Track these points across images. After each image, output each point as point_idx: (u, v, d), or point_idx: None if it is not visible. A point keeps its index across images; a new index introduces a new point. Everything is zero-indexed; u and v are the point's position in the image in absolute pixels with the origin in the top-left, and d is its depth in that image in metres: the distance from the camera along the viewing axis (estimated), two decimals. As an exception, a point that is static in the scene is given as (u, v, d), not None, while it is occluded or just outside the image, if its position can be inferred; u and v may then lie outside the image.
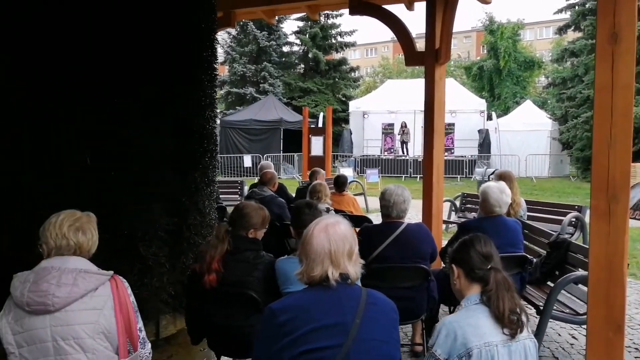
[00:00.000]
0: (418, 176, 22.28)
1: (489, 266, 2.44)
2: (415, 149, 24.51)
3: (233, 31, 32.52)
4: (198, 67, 4.70)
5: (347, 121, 30.95)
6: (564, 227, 7.32)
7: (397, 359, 2.24)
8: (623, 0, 2.75)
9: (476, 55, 56.78)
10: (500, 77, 36.57)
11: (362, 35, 58.97)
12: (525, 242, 5.28)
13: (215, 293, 3.36)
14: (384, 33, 70.72)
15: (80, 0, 3.95)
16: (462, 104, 24.95)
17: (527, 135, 24.68)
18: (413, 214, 9.37)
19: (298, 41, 35.98)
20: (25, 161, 3.84)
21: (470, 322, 2.33)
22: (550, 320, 4.57)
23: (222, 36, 30.55)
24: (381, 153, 26.79)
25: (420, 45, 6.44)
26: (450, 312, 4.72)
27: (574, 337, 5.31)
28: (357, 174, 21.98)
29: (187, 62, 4.53)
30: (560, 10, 29.04)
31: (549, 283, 5.12)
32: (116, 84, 4.03)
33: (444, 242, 5.85)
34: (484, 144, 24.92)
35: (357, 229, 3.93)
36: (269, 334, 2.12)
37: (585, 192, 16.77)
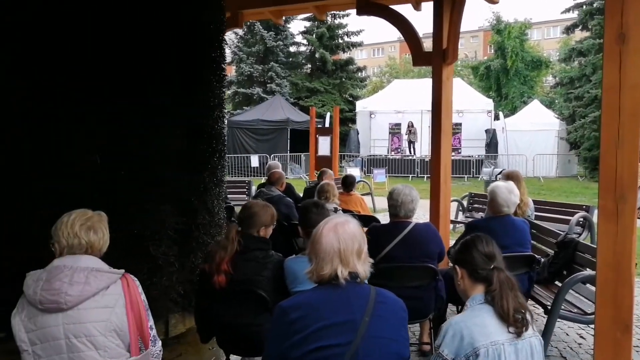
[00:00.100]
0: (425, 176, 22.26)
1: (492, 266, 2.45)
2: (423, 148, 24.49)
3: (240, 31, 32.53)
4: (207, 68, 4.72)
5: (354, 121, 30.92)
6: (572, 227, 7.31)
7: (406, 356, 2.26)
8: (631, 0, 2.75)
9: (483, 54, 56.63)
10: (508, 76, 36.45)
11: (369, 35, 58.81)
12: (533, 241, 5.29)
13: (224, 292, 3.38)
14: (391, 33, 70.61)
15: (89, 2, 3.97)
16: (469, 104, 24.91)
17: (534, 135, 24.60)
18: (420, 214, 9.37)
19: (305, 41, 35.99)
20: (35, 161, 3.86)
21: (476, 321, 2.34)
22: (558, 320, 4.57)
23: (229, 36, 30.51)
24: (388, 153, 26.77)
25: (428, 45, 6.45)
26: (458, 312, 4.73)
27: (581, 337, 5.31)
28: (364, 174, 21.96)
29: (196, 63, 4.56)
30: (567, 10, 28.92)
31: (556, 283, 5.12)
32: (126, 84, 4.05)
33: (452, 242, 5.85)
34: (491, 144, 24.85)
35: (365, 229, 3.95)
36: (280, 331, 2.15)
37: (593, 192, 16.70)
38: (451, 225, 8.74)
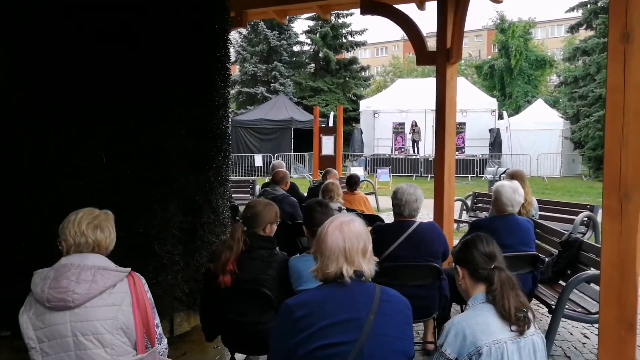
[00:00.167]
0: (429, 175, 22.24)
1: (493, 266, 2.47)
2: (426, 148, 24.45)
3: (244, 31, 32.60)
4: (212, 67, 4.74)
5: (357, 120, 30.93)
6: (576, 226, 7.29)
7: (411, 354, 2.27)
8: (635, 0, 2.76)
9: (487, 54, 56.52)
10: (512, 76, 36.37)
11: (373, 35, 59.02)
12: (537, 241, 5.28)
13: (229, 291, 3.40)
14: (395, 32, 70.61)
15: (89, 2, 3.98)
16: (473, 103, 24.87)
17: (538, 135, 24.54)
18: (424, 214, 9.32)
19: (309, 40, 36.03)
20: (44, 161, 3.89)
21: (478, 320, 2.35)
22: (562, 319, 4.57)
23: (232, 36, 30.54)
24: (392, 152, 26.74)
25: (432, 44, 6.45)
26: (462, 311, 4.74)
27: (585, 336, 5.31)
28: (368, 173, 21.96)
29: (201, 63, 4.58)
30: (572, 9, 28.82)
31: (561, 282, 5.12)
32: (130, 84, 4.07)
33: (456, 241, 5.85)
34: (495, 143, 24.81)
35: (370, 228, 3.96)
36: (285, 329, 2.16)
37: (597, 192, 16.67)
38: (455, 225, 8.75)
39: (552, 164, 24.35)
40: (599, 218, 5.44)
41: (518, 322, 2.34)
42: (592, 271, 4.53)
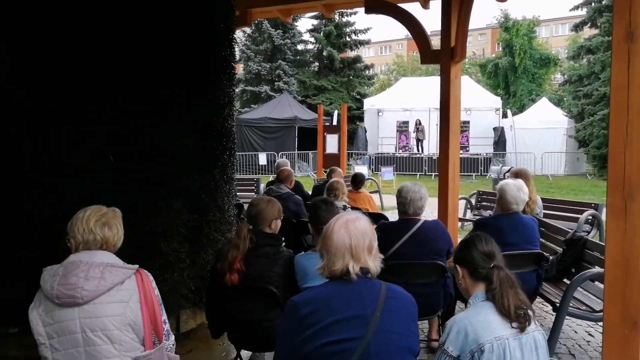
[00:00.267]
0: (433, 174, 22.24)
1: (492, 265, 2.49)
2: (430, 146, 24.46)
3: (248, 30, 32.60)
4: (217, 66, 4.76)
5: (361, 119, 30.92)
6: (581, 224, 7.30)
7: (417, 351, 2.29)
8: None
9: (491, 52, 56.44)
10: (516, 74, 36.33)
11: (377, 33, 58.89)
12: (541, 239, 5.29)
13: (236, 289, 3.42)
14: (399, 31, 70.53)
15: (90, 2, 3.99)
16: (477, 102, 24.87)
17: (542, 133, 24.51)
18: (428, 212, 9.37)
19: (312, 39, 36.01)
20: (51, 160, 3.91)
21: (479, 318, 2.38)
22: (567, 317, 4.57)
23: (237, 34, 30.68)
24: (396, 151, 26.71)
25: (436, 42, 6.46)
26: (466, 309, 4.75)
27: (590, 335, 5.31)
28: (372, 171, 21.97)
29: (206, 62, 4.59)
30: (576, 7, 28.79)
31: (565, 280, 5.12)
32: (133, 85, 4.08)
33: (460, 240, 5.87)
34: (500, 142, 24.80)
35: (375, 226, 3.98)
36: (292, 326, 2.18)
37: (601, 190, 16.63)
38: (459, 223, 8.75)
39: (556, 163, 24.32)
40: (603, 216, 5.45)
41: (518, 319, 2.36)
42: (597, 269, 4.53)
